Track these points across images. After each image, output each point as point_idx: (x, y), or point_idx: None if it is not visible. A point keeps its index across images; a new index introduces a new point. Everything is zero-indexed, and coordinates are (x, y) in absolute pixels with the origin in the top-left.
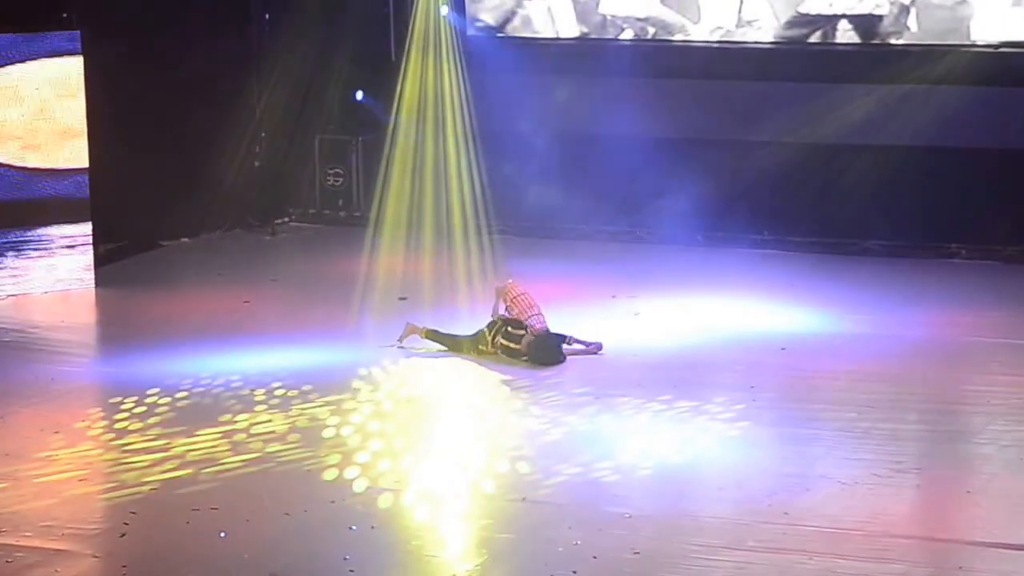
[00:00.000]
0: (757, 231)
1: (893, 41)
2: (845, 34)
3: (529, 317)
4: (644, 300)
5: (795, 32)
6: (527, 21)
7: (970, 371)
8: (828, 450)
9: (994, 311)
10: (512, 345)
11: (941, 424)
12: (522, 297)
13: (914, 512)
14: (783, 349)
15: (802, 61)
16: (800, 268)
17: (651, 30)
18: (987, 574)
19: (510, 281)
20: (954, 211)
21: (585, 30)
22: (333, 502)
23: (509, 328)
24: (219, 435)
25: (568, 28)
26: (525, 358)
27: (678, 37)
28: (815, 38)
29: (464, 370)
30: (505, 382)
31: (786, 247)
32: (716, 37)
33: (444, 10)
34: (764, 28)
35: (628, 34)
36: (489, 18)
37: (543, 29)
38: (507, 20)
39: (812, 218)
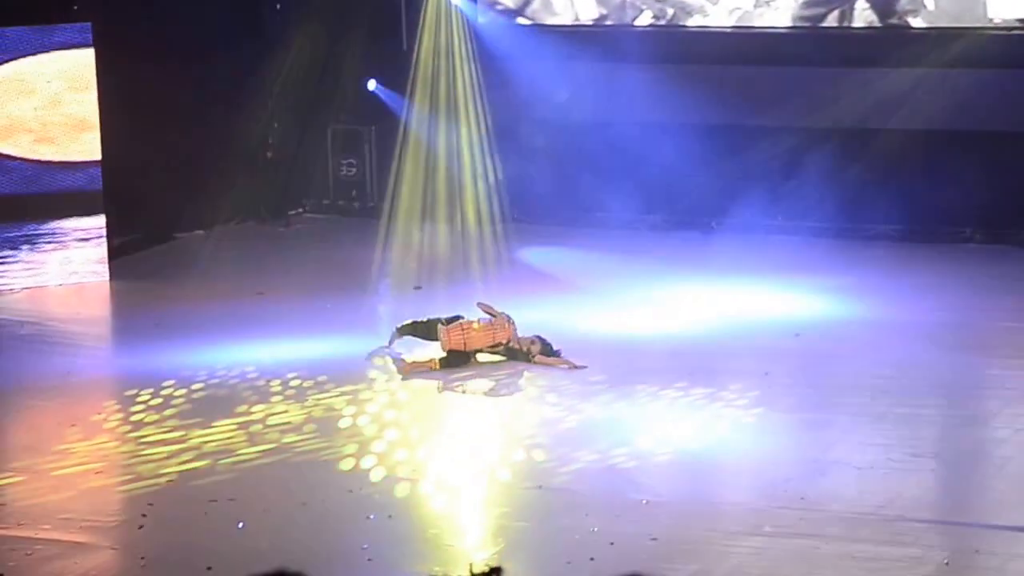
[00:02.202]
0: (771, 216)
1: (910, 20)
2: (862, 14)
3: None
4: (658, 287)
5: (813, 12)
6: (547, 3)
7: (985, 355)
8: (843, 435)
9: (1009, 295)
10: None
11: (956, 408)
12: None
13: (930, 496)
14: (797, 335)
15: (816, 46)
16: (814, 253)
17: (670, 11)
18: (1003, 557)
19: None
20: (969, 195)
21: (604, 12)
22: (351, 492)
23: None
24: (235, 426)
25: (587, 11)
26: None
27: (697, 18)
28: (832, 18)
29: (480, 359)
30: (521, 370)
31: (800, 232)
32: (735, 18)
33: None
34: (782, 8)
35: (647, 16)
36: (508, 1)
37: (563, 12)
38: (526, 3)
39: (827, 203)
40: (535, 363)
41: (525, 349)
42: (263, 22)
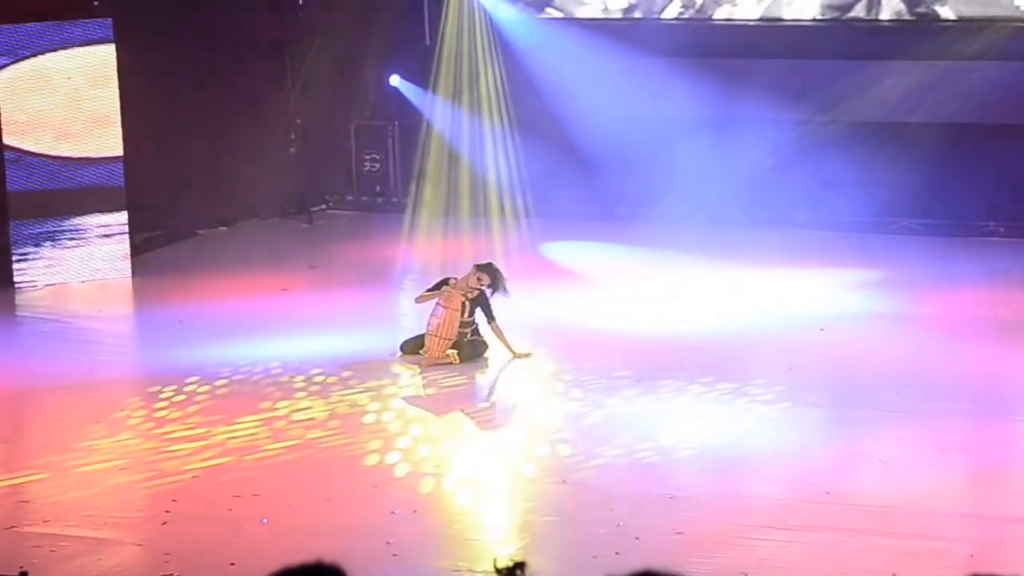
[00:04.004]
0: (796, 210)
1: (938, 8)
2: (890, 3)
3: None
4: (682, 282)
5: (841, 1)
6: None
7: (1010, 348)
8: (868, 429)
9: None
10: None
11: (981, 402)
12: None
13: (955, 489)
14: (822, 330)
15: (841, 38)
16: (839, 247)
17: (698, 1)
18: None
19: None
20: (994, 188)
21: (633, 2)
22: (375, 487)
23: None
24: (259, 422)
25: (616, 0)
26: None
27: (725, 7)
28: (860, 7)
29: (504, 354)
30: (545, 365)
31: (825, 226)
32: (763, 7)
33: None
34: None
35: (676, 5)
36: None
37: (592, 1)
38: None
39: (851, 197)
40: (491, 328)
41: (477, 293)
42: (285, 17)
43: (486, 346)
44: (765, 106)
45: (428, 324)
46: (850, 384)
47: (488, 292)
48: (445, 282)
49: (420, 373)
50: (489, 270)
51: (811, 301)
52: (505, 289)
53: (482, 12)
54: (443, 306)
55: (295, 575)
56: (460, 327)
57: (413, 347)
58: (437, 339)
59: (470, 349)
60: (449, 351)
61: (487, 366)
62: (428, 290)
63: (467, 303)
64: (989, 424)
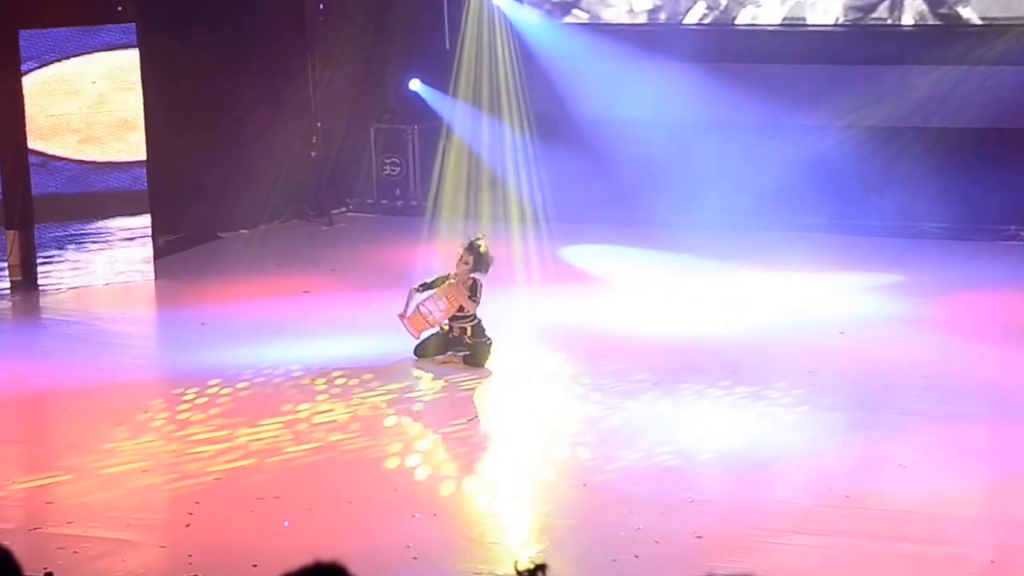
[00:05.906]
0: (816, 214)
1: (960, 10)
2: (912, 3)
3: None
4: (702, 286)
5: (864, 1)
6: None
7: None
8: (888, 433)
9: None
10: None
11: (1002, 406)
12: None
13: (976, 494)
14: (842, 333)
15: (860, 43)
16: (859, 250)
17: (723, 2)
18: None
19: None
20: (1014, 192)
21: (658, 3)
22: (396, 490)
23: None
24: (281, 425)
25: (641, 2)
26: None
27: (750, 8)
28: (883, 7)
29: (522, 357)
30: (564, 369)
31: (844, 230)
32: (787, 8)
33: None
34: None
35: (700, 8)
36: None
37: (617, 3)
38: None
39: (871, 200)
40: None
41: (471, 282)
42: (306, 22)
43: (487, 347)
44: (785, 110)
45: (426, 304)
46: (870, 388)
47: (481, 277)
48: (446, 277)
49: (441, 377)
50: (472, 251)
51: (831, 305)
52: (485, 270)
53: (501, 16)
54: (444, 298)
55: None
56: (461, 321)
57: (431, 349)
58: (419, 317)
59: (484, 351)
60: (458, 353)
61: (504, 370)
62: (427, 283)
63: (467, 292)
64: (1010, 428)
